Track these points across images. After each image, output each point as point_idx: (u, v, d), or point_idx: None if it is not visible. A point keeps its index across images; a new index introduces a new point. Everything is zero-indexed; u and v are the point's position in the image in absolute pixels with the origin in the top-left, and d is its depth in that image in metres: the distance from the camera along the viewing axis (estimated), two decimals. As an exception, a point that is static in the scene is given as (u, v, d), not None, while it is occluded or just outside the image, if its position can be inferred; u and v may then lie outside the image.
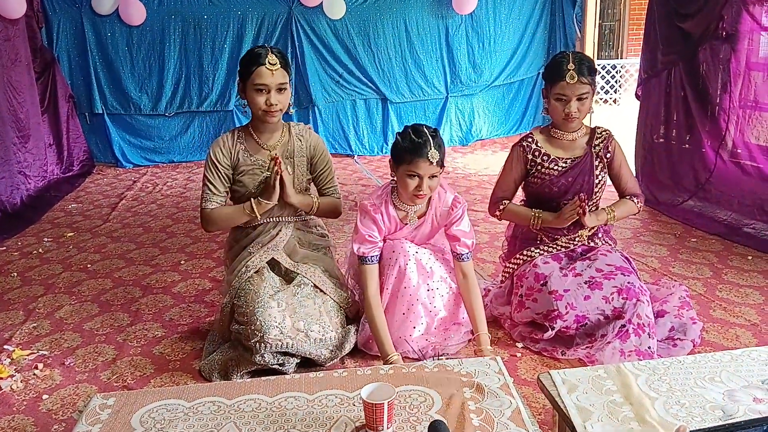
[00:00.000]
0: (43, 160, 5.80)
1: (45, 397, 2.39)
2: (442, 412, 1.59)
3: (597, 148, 2.71)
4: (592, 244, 2.76)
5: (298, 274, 2.61)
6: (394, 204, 2.53)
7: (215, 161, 2.55)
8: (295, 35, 6.89)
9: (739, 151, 4.24)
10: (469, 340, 2.67)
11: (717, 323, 2.80)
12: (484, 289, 3.12)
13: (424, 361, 2.10)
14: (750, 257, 3.56)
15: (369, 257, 2.49)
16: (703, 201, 4.35)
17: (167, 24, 6.70)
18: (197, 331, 2.90)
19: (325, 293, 2.58)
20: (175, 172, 6.58)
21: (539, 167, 2.71)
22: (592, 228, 2.76)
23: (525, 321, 2.70)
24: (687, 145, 4.60)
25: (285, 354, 2.40)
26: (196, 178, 6.17)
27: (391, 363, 2.31)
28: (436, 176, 2.39)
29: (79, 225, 4.71)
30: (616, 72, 10.15)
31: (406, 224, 2.56)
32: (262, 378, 1.84)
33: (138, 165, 6.89)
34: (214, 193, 2.57)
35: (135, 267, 3.77)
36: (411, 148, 2.34)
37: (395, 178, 2.48)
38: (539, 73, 7.63)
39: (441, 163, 2.38)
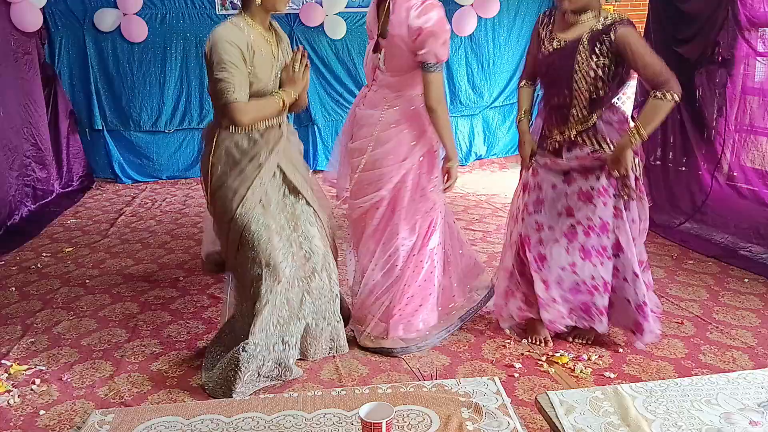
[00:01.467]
0: (47, 174, 5.83)
1: (42, 412, 2.39)
2: (440, 432, 1.60)
3: (589, 34, 2.49)
4: (579, 141, 2.66)
5: (301, 197, 2.68)
6: None
7: (233, 59, 2.34)
8: (296, 54, 6.93)
9: (735, 174, 4.29)
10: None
11: (714, 345, 2.81)
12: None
13: (423, 381, 2.10)
14: (746, 280, 3.58)
15: None
16: (700, 223, 4.38)
17: (169, 42, 6.74)
18: (195, 347, 2.90)
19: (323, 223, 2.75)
20: (174, 189, 6.59)
21: (544, 42, 2.67)
22: (577, 127, 2.69)
23: (528, 235, 2.78)
24: (683, 168, 4.64)
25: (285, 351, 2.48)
26: (195, 194, 6.18)
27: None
28: None
29: (78, 240, 4.71)
30: (614, 94, 10.23)
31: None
32: (261, 396, 1.85)
33: (137, 181, 6.90)
34: (242, 85, 2.38)
35: (133, 283, 3.77)
36: None
37: None
38: (538, 94, 7.68)
39: None
